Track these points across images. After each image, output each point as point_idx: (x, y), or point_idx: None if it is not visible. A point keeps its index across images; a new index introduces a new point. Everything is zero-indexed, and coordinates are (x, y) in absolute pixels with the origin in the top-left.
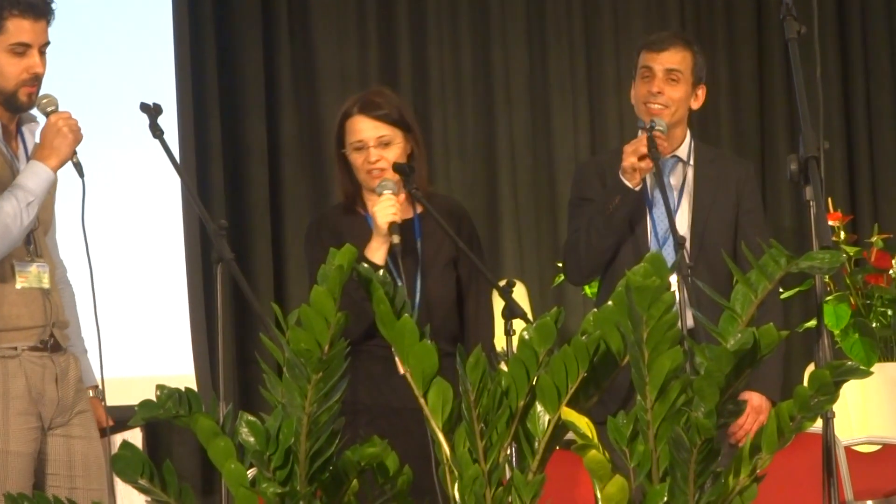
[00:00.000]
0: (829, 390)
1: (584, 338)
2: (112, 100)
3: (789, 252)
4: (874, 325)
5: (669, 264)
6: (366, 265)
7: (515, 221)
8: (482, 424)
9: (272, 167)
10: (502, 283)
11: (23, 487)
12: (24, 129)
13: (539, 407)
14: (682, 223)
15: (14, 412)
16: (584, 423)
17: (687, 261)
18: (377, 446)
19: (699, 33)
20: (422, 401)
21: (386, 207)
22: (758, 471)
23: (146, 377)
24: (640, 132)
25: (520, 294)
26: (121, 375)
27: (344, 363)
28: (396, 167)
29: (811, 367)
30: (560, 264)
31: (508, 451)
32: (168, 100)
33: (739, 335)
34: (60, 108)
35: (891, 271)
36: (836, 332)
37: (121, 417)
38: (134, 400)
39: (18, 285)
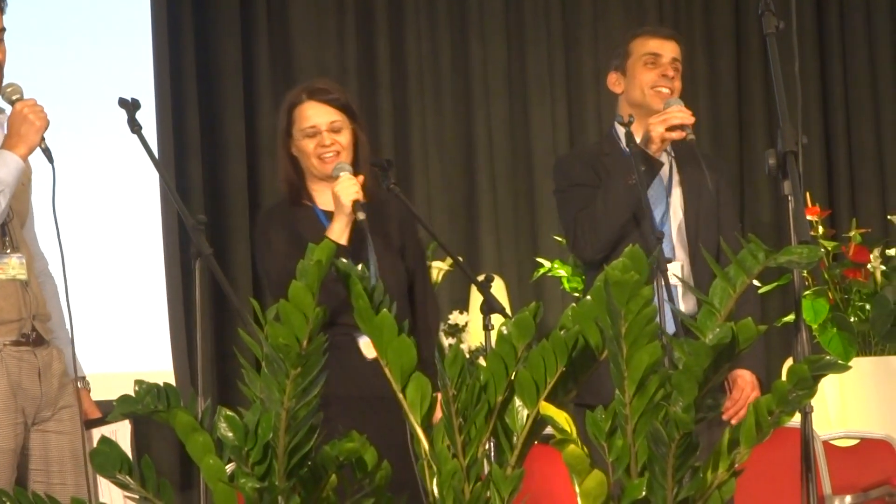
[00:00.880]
0: (807, 385)
1: (562, 332)
2: (90, 95)
3: (768, 247)
4: (852, 319)
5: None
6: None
7: (494, 216)
8: (461, 419)
9: (250, 162)
10: (481, 277)
11: (4, 483)
12: None
13: (518, 402)
14: (677, 214)
15: None
16: (562, 418)
17: (666, 255)
18: (355, 441)
19: (677, 28)
20: (400, 395)
21: (348, 186)
22: (736, 465)
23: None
24: (616, 126)
25: (498, 289)
26: (99, 371)
27: (322, 358)
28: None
29: (789, 362)
30: (564, 240)
31: (487, 446)
32: (146, 95)
33: (718, 330)
34: (26, 96)
35: (869, 266)
36: (815, 326)
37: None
38: (112, 395)
39: None
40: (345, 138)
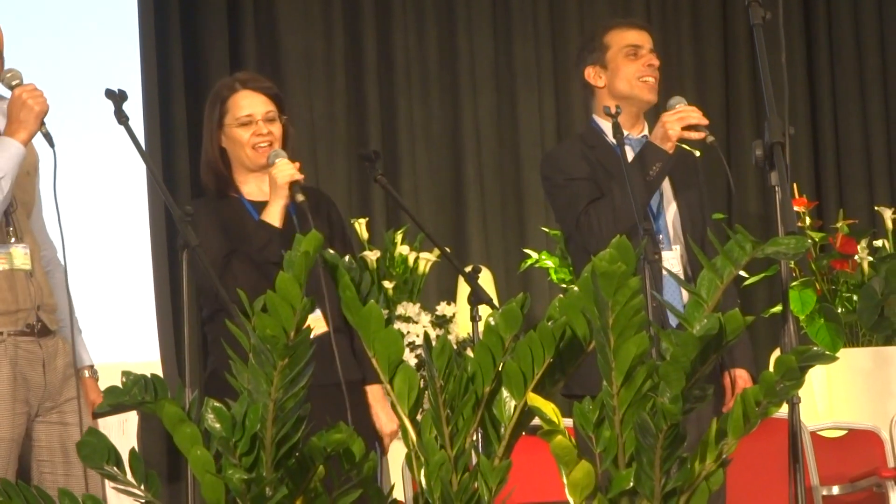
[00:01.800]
0: (794, 376)
1: (550, 323)
2: (77, 86)
3: (755, 238)
4: (839, 310)
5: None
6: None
7: (481, 207)
8: (448, 410)
9: None
10: (468, 268)
11: (5, 472)
12: None
13: (505, 392)
14: (670, 204)
15: None
16: (550, 409)
17: (654, 246)
18: (343, 432)
19: (664, 19)
20: (388, 386)
21: (285, 168)
22: (724, 456)
23: (112, 364)
24: (596, 119)
25: (485, 280)
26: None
27: (310, 350)
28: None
29: (777, 353)
30: (558, 232)
31: (474, 437)
32: (133, 86)
33: (705, 321)
34: (25, 82)
35: (856, 257)
36: (802, 317)
37: None
38: (100, 386)
39: None
40: (277, 129)
